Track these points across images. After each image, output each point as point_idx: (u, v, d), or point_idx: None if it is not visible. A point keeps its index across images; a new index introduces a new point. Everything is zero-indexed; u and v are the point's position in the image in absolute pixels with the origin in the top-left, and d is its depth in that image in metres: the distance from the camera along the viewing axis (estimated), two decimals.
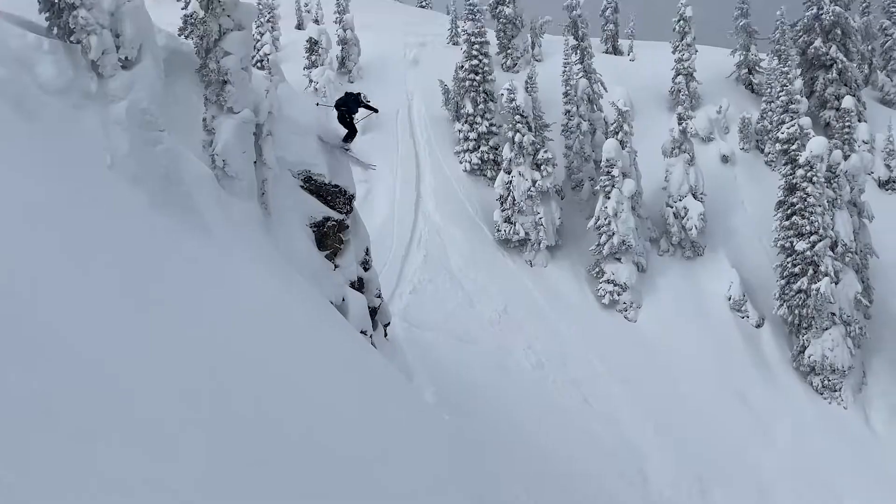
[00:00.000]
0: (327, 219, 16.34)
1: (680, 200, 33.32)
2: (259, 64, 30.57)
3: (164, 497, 4.62)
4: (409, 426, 11.41)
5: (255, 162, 14.40)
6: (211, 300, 9.00)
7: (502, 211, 33.06)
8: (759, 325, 31.70)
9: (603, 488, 21.38)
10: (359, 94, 17.76)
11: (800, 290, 30.27)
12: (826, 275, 29.73)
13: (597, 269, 32.22)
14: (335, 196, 16.54)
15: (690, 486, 24.51)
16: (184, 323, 7.68)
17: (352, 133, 17.43)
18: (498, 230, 32.99)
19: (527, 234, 32.68)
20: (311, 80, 39.72)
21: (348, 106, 17.46)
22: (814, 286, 29.63)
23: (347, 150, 17.54)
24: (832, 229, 30.35)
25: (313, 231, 16.07)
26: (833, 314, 30.06)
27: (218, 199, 12.70)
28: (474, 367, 24.54)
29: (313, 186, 16.21)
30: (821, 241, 29.92)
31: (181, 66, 14.17)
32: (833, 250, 30.40)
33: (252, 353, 8.31)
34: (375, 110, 18.51)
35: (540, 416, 23.64)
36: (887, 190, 37.55)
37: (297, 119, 16.46)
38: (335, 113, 17.84)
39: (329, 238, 16.45)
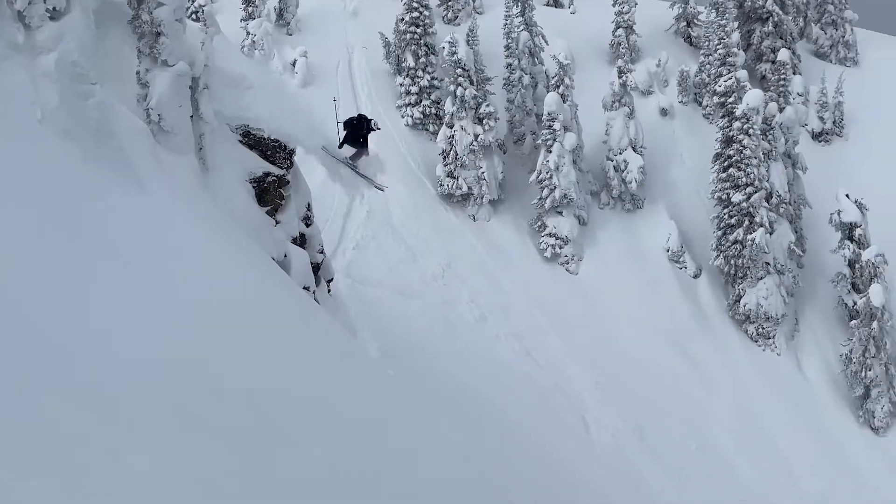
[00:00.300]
0: (267, 174, 16.10)
1: (620, 154, 33.63)
2: (194, 16, 29.78)
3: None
4: (353, 381, 11.43)
5: (191, 116, 14.08)
6: (147, 255, 8.85)
7: (445, 166, 33.00)
8: (696, 276, 32.38)
9: (546, 438, 21.78)
10: (371, 119, 17.87)
11: (736, 241, 30.96)
12: (761, 226, 30.44)
13: (539, 223, 32.46)
14: (275, 151, 16.28)
15: (630, 434, 25.14)
16: (117, 277, 7.54)
17: (361, 151, 17.44)
18: (441, 185, 32.96)
19: (469, 188, 32.71)
20: (248, 33, 38.85)
21: (361, 127, 17.43)
22: (749, 237, 30.33)
23: (355, 168, 17.47)
24: (767, 181, 31.00)
25: (253, 186, 15.83)
26: (767, 264, 30.83)
27: (153, 153, 12.42)
28: (418, 322, 24.66)
29: (252, 141, 15.93)
30: (756, 192, 30.56)
31: (112, 18, 13.71)
32: (768, 201, 31.08)
33: (191, 308, 8.21)
34: (378, 128, 18.40)
35: (483, 369, 23.92)
36: (820, 142, 38.38)
37: (233, 72, 16.11)
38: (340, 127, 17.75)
39: (269, 194, 16.22)
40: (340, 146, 17.66)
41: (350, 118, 17.82)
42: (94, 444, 4.74)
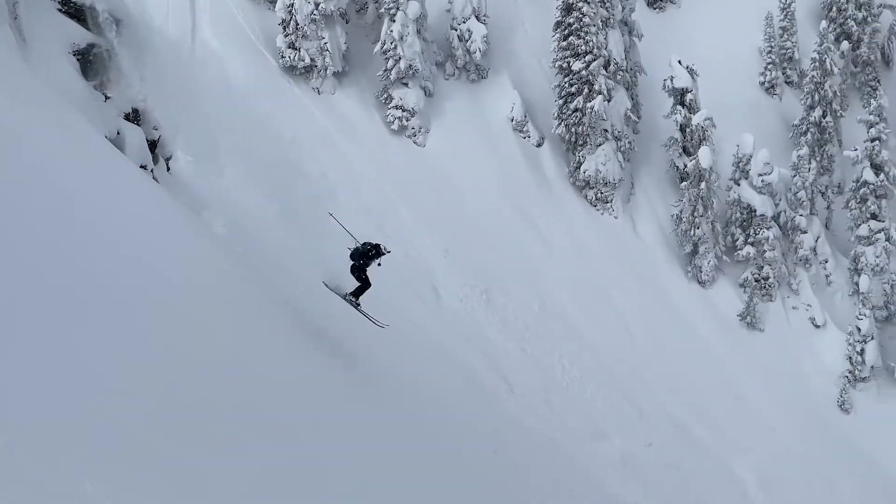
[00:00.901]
0: (92, 45, 15.17)
1: (464, 23, 33.41)
2: None
3: None
4: (199, 258, 11.29)
5: None
6: None
7: (285, 36, 31.85)
8: (539, 145, 33.17)
9: (399, 307, 22.28)
10: (378, 245, 15.67)
11: (576, 109, 31.79)
12: (600, 93, 31.32)
13: (385, 95, 32.14)
14: (97, 20, 15.29)
15: (478, 299, 26.07)
16: None
17: (364, 286, 15.66)
18: (282, 57, 31.89)
19: (312, 60, 31.83)
20: None
21: (365, 259, 15.54)
22: (588, 104, 31.21)
23: (357, 305, 15.71)
24: (605, 48, 31.71)
25: (77, 59, 14.90)
26: (606, 130, 31.94)
27: None
28: (264, 197, 24.25)
29: (72, 9, 14.88)
30: (595, 60, 31.27)
31: None
32: (606, 69, 31.90)
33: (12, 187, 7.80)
34: (389, 251, 15.96)
35: (334, 238, 23.91)
36: (655, 9, 39.38)
37: None
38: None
39: (96, 66, 15.33)
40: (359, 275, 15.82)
41: (355, 249, 15.76)
42: None
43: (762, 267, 32.08)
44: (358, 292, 15.54)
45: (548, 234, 30.64)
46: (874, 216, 32.18)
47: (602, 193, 32.15)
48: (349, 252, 15.19)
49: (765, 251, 31.83)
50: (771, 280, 31.99)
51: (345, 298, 15.48)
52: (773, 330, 31.65)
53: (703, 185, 31.30)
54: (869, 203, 32.25)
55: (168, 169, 19.58)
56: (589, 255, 30.80)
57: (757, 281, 32.12)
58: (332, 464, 9.18)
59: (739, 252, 32.33)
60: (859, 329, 30.78)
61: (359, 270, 15.34)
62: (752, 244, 32.12)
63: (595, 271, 30.31)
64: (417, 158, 31.57)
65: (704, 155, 31.18)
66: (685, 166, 32.23)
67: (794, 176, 32.38)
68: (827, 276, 33.00)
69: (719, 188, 32.51)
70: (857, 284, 32.10)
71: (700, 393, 28.16)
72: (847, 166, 34.29)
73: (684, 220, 31.65)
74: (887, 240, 31.90)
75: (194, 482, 6.10)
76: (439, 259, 27.66)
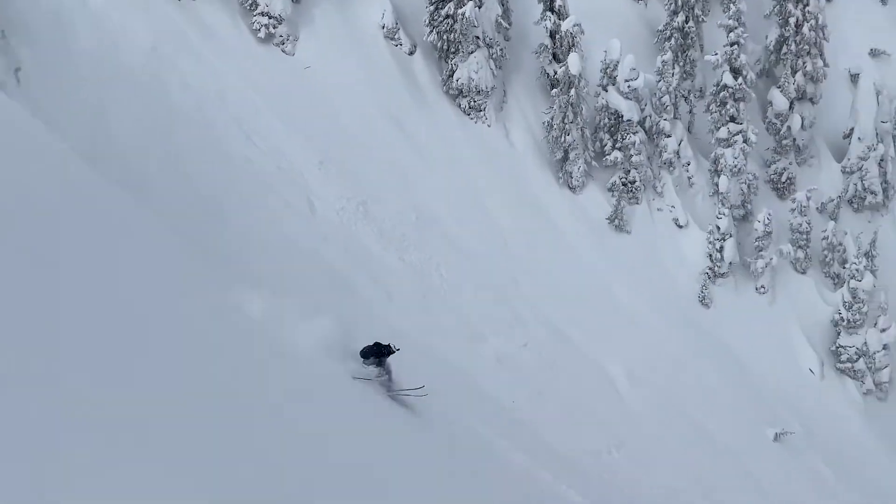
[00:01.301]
0: None
1: None
2: None
3: None
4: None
5: None
6: None
7: None
8: (411, 53, 32.77)
9: (271, 216, 21.97)
10: (388, 345, 15.97)
11: (448, 16, 31.48)
12: None
13: (249, 1, 30.87)
14: None
15: (355, 210, 25.98)
16: None
17: (390, 375, 16.12)
18: None
19: None
20: None
21: (378, 356, 15.97)
22: (460, 10, 30.94)
23: (391, 392, 16.18)
24: None
25: None
26: (477, 38, 31.83)
27: None
28: (125, 112, 23.20)
29: None
30: None
31: None
32: None
33: None
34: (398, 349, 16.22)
35: (202, 153, 23.27)
36: None
37: None
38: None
39: None
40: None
41: (365, 349, 16.07)
42: None
43: (629, 171, 33.13)
44: (389, 382, 16.36)
45: (422, 143, 30.62)
46: (733, 119, 33.60)
47: (475, 102, 32.24)
48: (360, 351, 15.97)
49: (631, 156, 32.83)
50: (637, 183, 33.11)
51: (390, 396, 16.28)
52: (640, 231, 32.96)
53: (572, 91, 31.79)
54: (728, 106, 33.60)
55: (18, 82, 18.41)
56: (463, 164, 31.04)
57: (624, 185, 33.19)
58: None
59: (607, 157, 33.24)
60: (719, 228, 32.40)
61: (379, 357, 16.14)
62: (619, 149, 33.05)
63: (470, 180, 30.62)
64: (287, 67, 30.70)
65: (573, 61, 31.58)
66: (555, 73, 32.58)
67: (659, 81, 33.26)
68: (689, 178, 34.41)
69: (588, 94, 33.11)
70: (716, 185, 33.67)
71: (572, 294, 29.21)
72: (708, 70, 35.49)
73: (555, 126, 32.18)
74: (745, 141, 33.44)
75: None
76: (314, 171, 27.29)
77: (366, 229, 25.59)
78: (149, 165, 21.72)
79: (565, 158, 32.67)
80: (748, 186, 34.18)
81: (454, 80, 31.98)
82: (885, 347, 31.49)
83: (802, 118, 36.34)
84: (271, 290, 16.39)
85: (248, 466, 6.89)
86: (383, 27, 32.34)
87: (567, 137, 32.19)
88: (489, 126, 32.64)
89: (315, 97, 29.86)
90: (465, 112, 32.49)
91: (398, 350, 16.07)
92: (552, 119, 32.23)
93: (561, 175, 32.86)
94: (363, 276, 22.85)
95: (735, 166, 33.45)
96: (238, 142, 26.47)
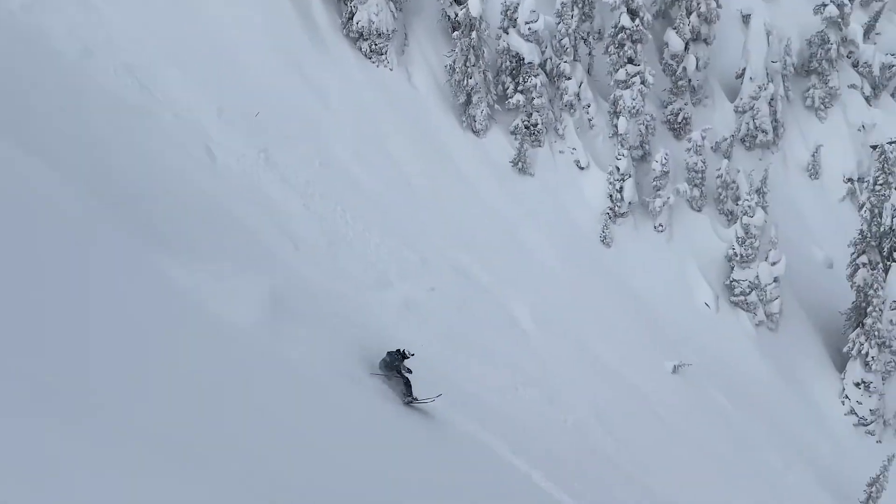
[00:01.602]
0: None
1: None
2: None
3: None
4: None
5: None
6: None
7: None
8: None
9: (168, 166, 21.39)
10: (398, 351, 17.80)
11: None
12: None
13: None
14: None
15: (257, 157, 25.47)
16: None
17: (408, 383, 17.85)
18: None
19: None
20: None
21: (395, 365, 17.68)
22: None
23: (416, 400, 17.89)
24: None
25: None
26: None
27: None
28: (3, 57, 21.99)
29: None
30: None
31: None
32: None
33: None
34: (412, 354, 18.09)
35: (91, 101, 22.36)
36: None
37: None
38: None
39: None
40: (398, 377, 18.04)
41: (383, 361, 17.93)
42: None
43: (531, 114, 33.42)
44: (409, 391, 17.83)
45: (324, 88, 30.12)
46: (630, 60, 34.14)
47: (376, 45, 31.83)
48: (380, 363, 17.62)
49: (533, 98, 33.09)
50: (539, 126, 33.47)
51: (406, 403, 17.79)
52: (543, 174, 33.43)
53: (473, 34, 31.70)
54: (626, 48, 34.11)
55: None
56: (366, 109, 30.73)
57: (527, 128, 33.50)
58: None
59: (510, 100, 33.43)
60: (618, 169, 33.12)
61: (396, 373, 17.65)
62: (521, 92, 33.26)
63: (373, 124, 30.37)
64: (179, 12, 29.59)
65: (474, 4, 31.43)
66: (456, 16, 32.41)
67: (559, 23, 33.46)
68: (590, 121, 34.96)
69: (490, 37, 33.08)
70: (616, 127, 34.33)
71: (478, 238, 29.53)
72: (606, 12, 35.91)
73: (457, 70, 32.11)
74: (642, 83, 34.08)
75: None
76: (213, 119, 26.52)
77: (268, 177, 25.13)
78: (32, 119, 20.75)
79: (468, 102, 32.70)
80: (646, 127, 34.95)
81: (354, 22, 31.48)
82: (775, 280, 32.97)
83: (697, 59, 37.25)
84: (183, 249, 16.11)
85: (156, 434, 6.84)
86: None
87: (469, 81, 32.19)
88: (391, 70, 32.34)
89: (211, 43, 28.91)
90: (366, 56, 32.08)
91: (413, 355, 17.62)
92: (454, 62, 32.14)
93: (464, 119, 32.92)
94: (268, 226, 22.51)
95: (633, 108, 34.12)
96: (132, 90, 25.48)
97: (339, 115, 29.62)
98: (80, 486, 5.87)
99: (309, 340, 16.36)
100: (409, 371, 17.86)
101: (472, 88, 32.31)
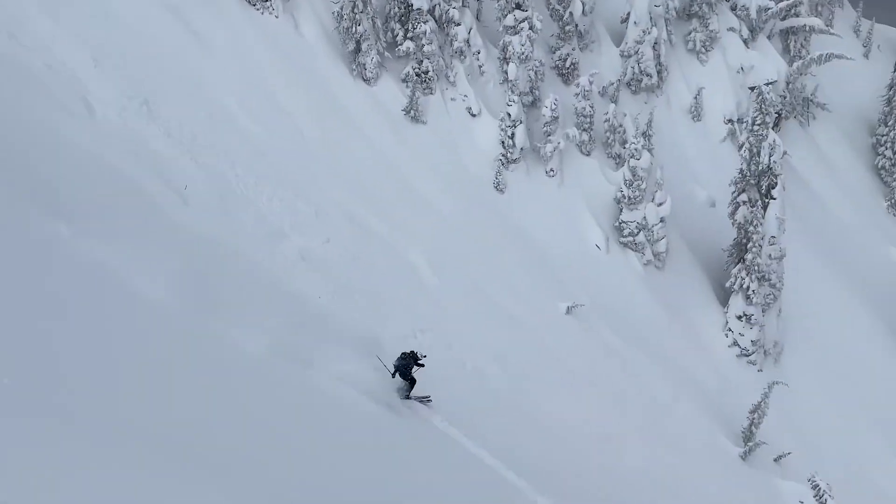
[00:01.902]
0: None
1: None
2: None
3: None
4: None
5: None
6: None
7: None
8: None
9: (43, 120, 20.34)
10: (411, 353, 18.81)
11: None
12: None
13: None
14: None
15: (138, 109, 24.51)
16: None
17: (412, 384, 18.79)
18: None
19: None
20: None
21: (407, 365, 18.56)
22: None
23: (408, 397, 18.81)
24: None
25: None
26: None
27: None
28: None
29: None
30: None
31: None
32: None
33: None
34: (422, 365, 18.99)
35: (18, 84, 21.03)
36: None
37: None
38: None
39: None
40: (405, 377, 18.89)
41: (397, 362, 18.73)
42: None
43: (421, 61, 33.19)
44: (410, 389, 18.83)
45: (207, 37, 29.11)
46: (518, 6, 34.20)
47: None
48: (395, 367, 18.59)
49: (423, 45, 32.84)
50: (430, 73, 33.29)
51: (404, 399, 18.69)
52: (435, 121, 33.36)
53: None
54: None
55: None
56: (252, 58, 29.90)
57: (418, 75, 33.28)
58: None
59: (400, 47, 33.09)
60: (509, 115, 33.34)
61: (404, 374, 18.61)
62: (411, 39, 32.94)
63: (260, 74, 29.60)
64: None
65: None
66: None
67: None
68: (480, 67, 34.97)
69: None
70: (506, 73, 34.45)
71: (372, 187, 29.35)
72: None
73: (345, 17, 31.53)
74: (531, 28, 34.21)
75: None
76: (89, 69, 25.30)
77: (152, 130, 24.24)
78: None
79: (358, 50, 32.22)
80: (535, 73, 35.21)
81: None
82: (661, 220, 34.02)
83: (583, 3, 37.62)
84: (79, 216, 15.38)
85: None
86: None
87: (358, 28, 31.67)
88: (277, 17, 31.51)
89: None
90: (250, 3, 31.16)
91: (425, 356, 18.71)
92: (342, 9, 31.54)
93: (354, 67, 32.45)
94: (155, 182, 21.75)
95: (522, 53, 34.27)
96: (37, 65, 23.94)
97: (225, 65, 28.75)
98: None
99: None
100: (420, 366, 18.97)
101: (362, 36, 31.82)
